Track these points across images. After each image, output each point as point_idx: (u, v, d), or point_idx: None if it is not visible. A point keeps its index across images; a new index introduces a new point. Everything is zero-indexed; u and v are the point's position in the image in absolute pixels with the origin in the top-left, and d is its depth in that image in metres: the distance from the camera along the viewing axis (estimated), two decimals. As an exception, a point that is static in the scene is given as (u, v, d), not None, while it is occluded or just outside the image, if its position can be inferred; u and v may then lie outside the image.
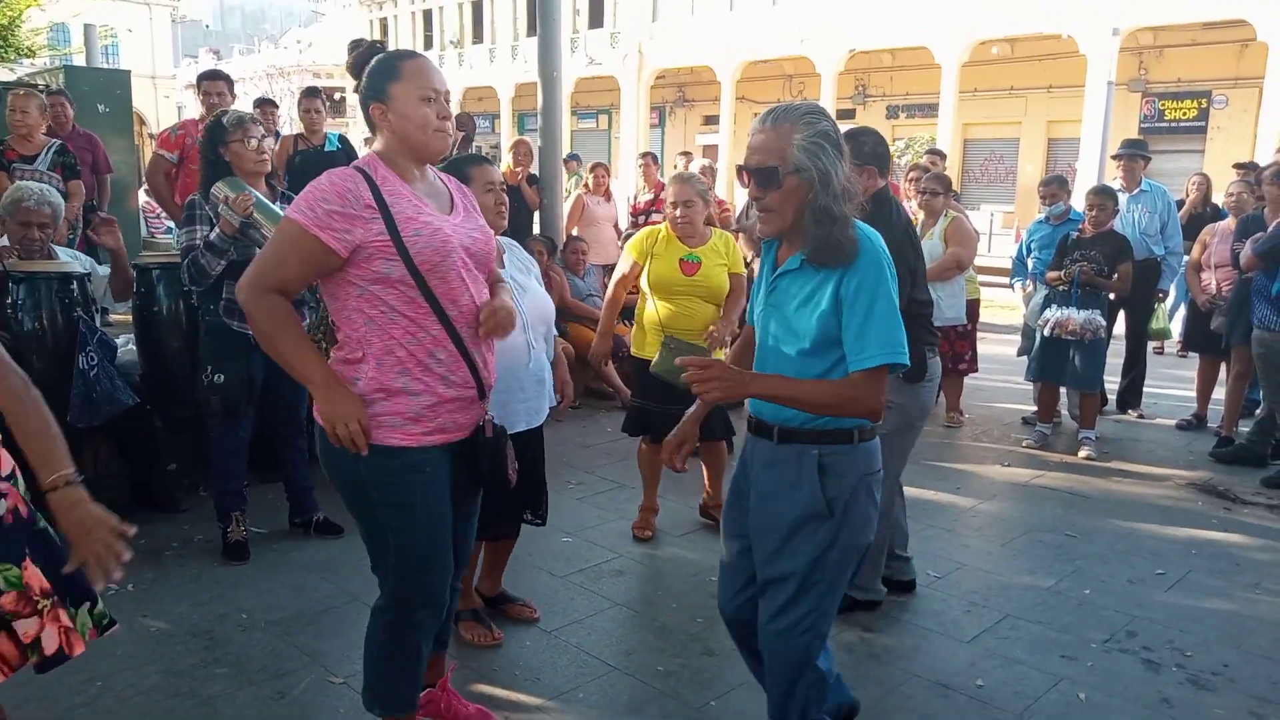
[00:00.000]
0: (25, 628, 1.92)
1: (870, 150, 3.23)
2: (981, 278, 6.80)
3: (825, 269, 2.06)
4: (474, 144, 8.77)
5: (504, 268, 3.09)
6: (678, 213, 4.02)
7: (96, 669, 2.97)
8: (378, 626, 2.34)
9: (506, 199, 3.06)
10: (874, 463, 2.21)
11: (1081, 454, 5.56)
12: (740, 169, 2.13)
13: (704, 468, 4.43)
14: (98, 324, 3.96)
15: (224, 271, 3.63)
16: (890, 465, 2.85)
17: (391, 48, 2.30)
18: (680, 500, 4.60)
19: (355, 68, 2.25)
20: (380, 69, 2.18)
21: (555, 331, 3.41)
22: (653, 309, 4.06)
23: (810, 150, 2.03)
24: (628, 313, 7.02)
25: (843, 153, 2.07)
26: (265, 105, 6.70)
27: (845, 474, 2.15)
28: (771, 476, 2.21)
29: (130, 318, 4.58)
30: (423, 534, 2.24)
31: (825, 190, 2.02)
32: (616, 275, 4.26)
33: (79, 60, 16.39)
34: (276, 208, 3.62)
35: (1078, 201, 6.30)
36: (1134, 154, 6.50)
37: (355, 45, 2.29)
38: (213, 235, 3.56)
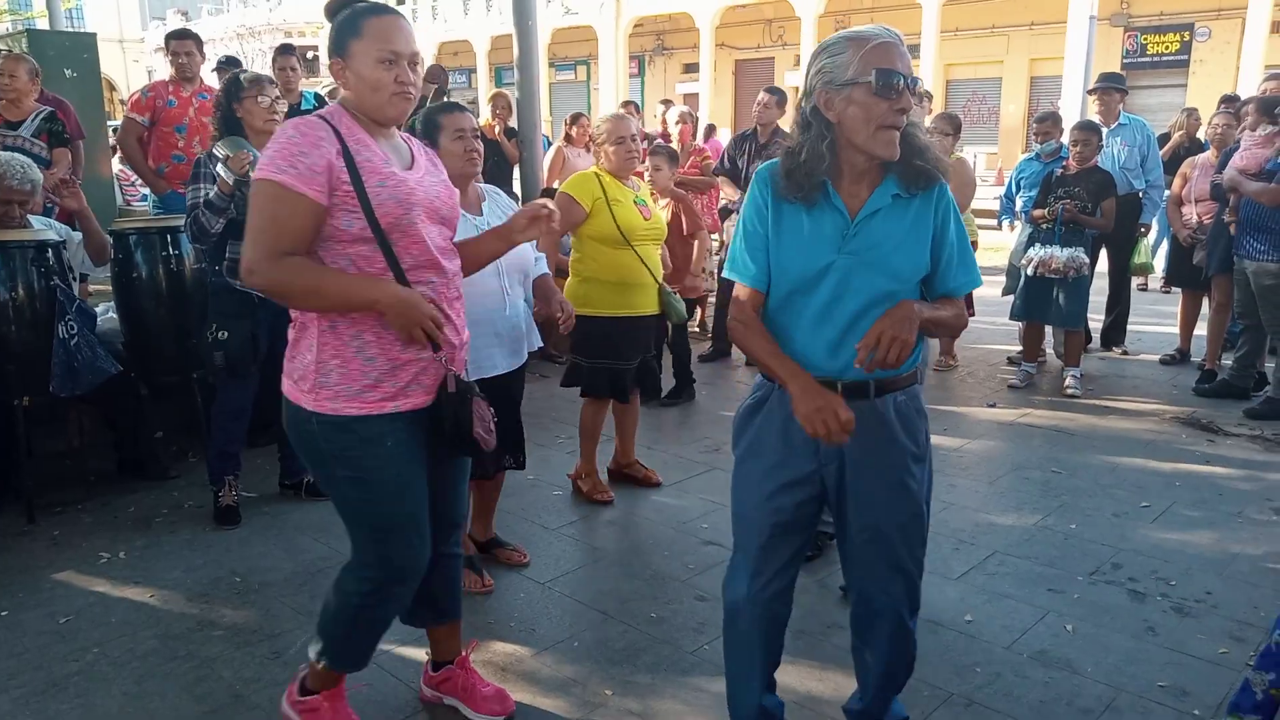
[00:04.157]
0: None
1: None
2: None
3: (917, 196, 1.99)
4: (447, 98, 8.61)
5: (482, 215, 3.08)
6: (629, 148, 3.81)
7: (91, 636, 2.99)
8: (350, 591, 2.26)
9: (479, 147, 3.02)
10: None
11: (1067, 391, 5.60)
12: (904, 79, 1.90)
13: (616, 425, 4.26)
14: (75, 292, 3.92)
15: (228, 231, 3.60)
16: None
17: None
18: (666, 450, 4.62)
19: (330, 11, 2.13)
20: (346, 22, 2.07)
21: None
22: (630, 259, 3.83)
23: None
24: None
25: None
26: (226, 67, 6.54)
27: (924, 414, 2.13)
28: (875, 433, 2.04)
29: (109, 286, 4.54)
30: (389, 505, 2.17)
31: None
32: (566, 229, 3.82)
33: (42, 24, 16.03)
34: None
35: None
36: (1110, 87, 6.45)
37: None
38: (211, 194, 3.54)
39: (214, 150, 3.58)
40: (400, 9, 2.21)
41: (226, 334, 3.70)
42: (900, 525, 2.11)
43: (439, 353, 2.15)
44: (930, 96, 7.80)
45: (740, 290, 2.10)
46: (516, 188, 7.07)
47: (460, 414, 2.15)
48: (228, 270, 3.69)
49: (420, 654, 2.80)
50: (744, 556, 2.20)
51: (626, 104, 8.79)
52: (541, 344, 3.36)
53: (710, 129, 11.00)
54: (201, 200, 3.57)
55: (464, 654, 2.63)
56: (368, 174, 2.05)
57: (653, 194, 4.51)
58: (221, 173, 3.51)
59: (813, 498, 2.13)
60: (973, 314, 6.20)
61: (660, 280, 3.98)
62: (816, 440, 1.99)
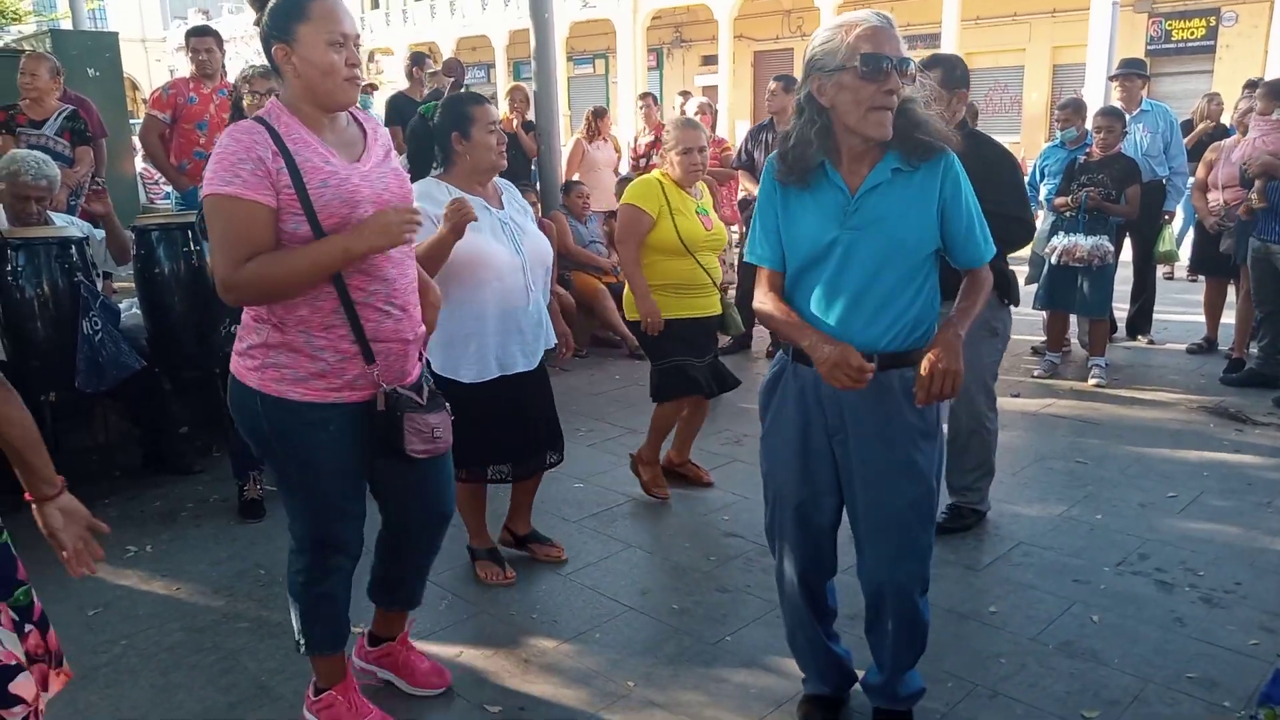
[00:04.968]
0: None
1: (961, 74, 3.47)
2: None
3: (920, 168, 2.04)
4: (465, 90, 8.65)
5: (504, 209, 3.07)
6: (694, 159, 3.75)
7: (119, 629, 3.02)
8: (296, 569, 2.34)
9: (505, 139, 3.04)
10: None
11: (1091, 381, 5.54)
12: (891, 62, 1.92)
13: (681, 422, 4.12)
14: (98, 288, 3.95)
15: None
16: (990, 384, 3.58)
17: None
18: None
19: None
20: (285, 6, 2.02)
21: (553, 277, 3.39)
22: (690, 266, 3.77)
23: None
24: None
25: None
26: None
27: None
28: (877, 407, 2.11)
29: (133, 283, 4.58)
30: (328, 485, 2.22)
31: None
32: (631, 235, 3.74)
33: (66, 25, 16.17)
34: None
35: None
36: (1131, 73, 6.37)
37: None
38: None
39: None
40: (420, 5, 2.23)
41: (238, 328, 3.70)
42: (910, 502, 2.14)
43: (372, 365, 2.14)
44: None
45: (760, 272, 2.24)
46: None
47: (390, 431, 2.17)
48: None
49: (429, 646, 2.86)
50: (780, 531, 2.31)
51: (644, 96, 8.75)
52: (556, 341, 3.34)
53: None
54: None
55: (404, 631, 2.67)
56: (309, 174, 2.01)
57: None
58: None
59: (832, 470, 2.21)
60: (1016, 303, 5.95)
61: (718, 287, 3.92)
62: (824, 412, 2.14)
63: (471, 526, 3.38)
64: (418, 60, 7.40)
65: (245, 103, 3.67)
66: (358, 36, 2.09)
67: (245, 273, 1.98)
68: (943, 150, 2.05)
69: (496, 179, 3.17)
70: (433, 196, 2.89)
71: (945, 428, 2.27)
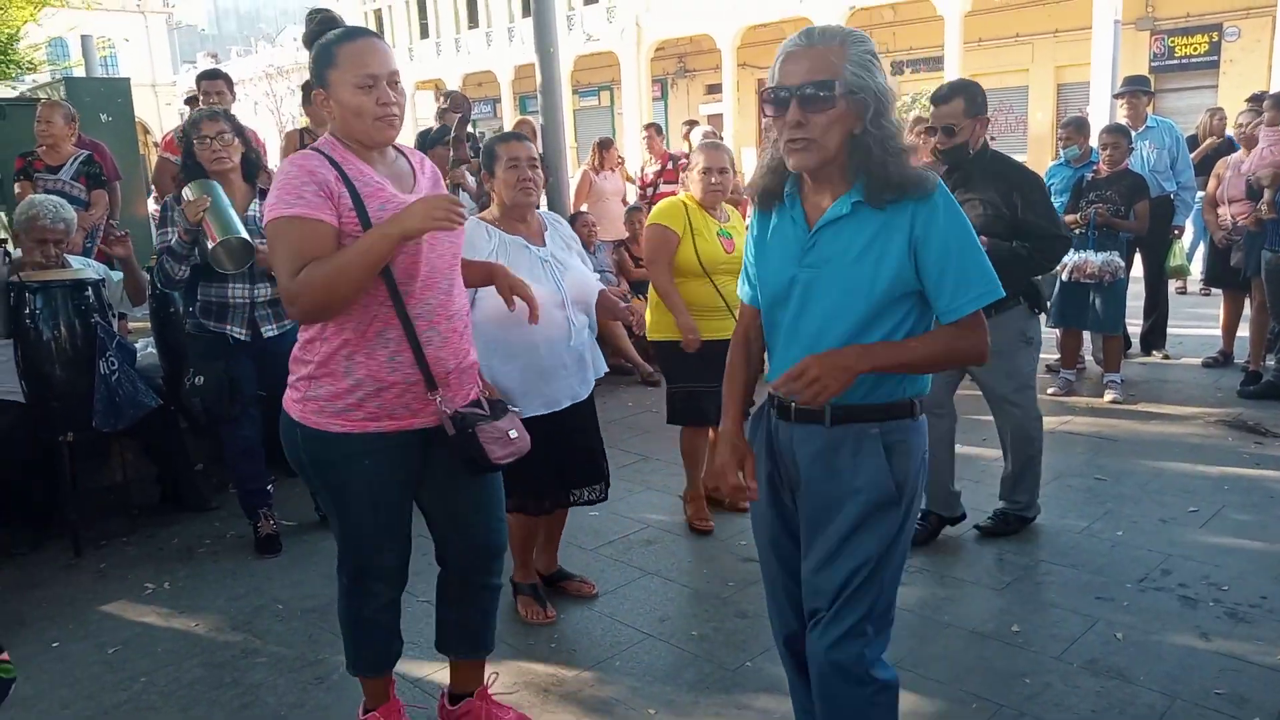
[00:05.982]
0: None
1: (981, 101, 3.49)
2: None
3: (888, 208, 1.77)
4: (472, 125, 8.78)
5: (545, 246, 3.06)
6: (712, 180, 3.73)
7: (139, 666, 3.02)
8: (340, 592, 2.39)
9: (535, 176, 2.96)
10: (926, 439, 1.94)
11: (1107, 398, 5.51)
12: (771, 92, 1.76)
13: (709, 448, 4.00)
14: (114, 328, 3.99)
15: (199, 273, 3.62)
16: (1031, 391, 3.67)
17: (349, 24, 2.18)
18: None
19: (309, 41, 2.15)
20: (320, 53, 2.08)
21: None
22: (706, 289, 3.73)
23: (865, 68, 1.73)
24: (637, 287, 7.06)
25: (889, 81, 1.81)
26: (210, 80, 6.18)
27: (910, 452, 1.87)
28: (824, 465, 1.87)
29: (148, 324, 4.63)
30: (365, 517, 2.26)
31: (885, 113, 1.74)
32: (660, 255, 3.71)
33: (79, 74, 16.46)
34: (235, 215, 3.45)
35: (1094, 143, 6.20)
36: (1136, 90, 6.41)
37: (311, 17, 2.17)
38: (172, 240, 3.55)
39: (183, 193, 3.52)
40: (425, 43, 2.25)
41: (202, 379, 3.68)
42: (852, 574, 1.86)
43: (434, 392, 2.17)
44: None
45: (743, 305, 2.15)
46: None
47: (469, 448, 2.20)
48: (200, 311, 3.70)
49: (447, 677, 2.81)
50: (768, 587, 2.15)
51: (649, 127, 8.83)
52: (608, 369, 3.31)
53: None
54: (166, 246, 3.58)
55: (485, 685, 2.61)
56: (369, 199, 2.08)
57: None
58: (177, 218, 3.50)
59: (778, 543, 2.05)
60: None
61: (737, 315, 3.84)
62: (781, 464, 1.97)
63: (517, 559, 3.32)
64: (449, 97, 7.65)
65: (196, 149, 3.60)
66: (392, 74, 2.08)
67: (300, 278, 1.99)
68: (918, 192, 1.77)
69: (544, 214, 3.17)
70: (471, 243, 2.86)
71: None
